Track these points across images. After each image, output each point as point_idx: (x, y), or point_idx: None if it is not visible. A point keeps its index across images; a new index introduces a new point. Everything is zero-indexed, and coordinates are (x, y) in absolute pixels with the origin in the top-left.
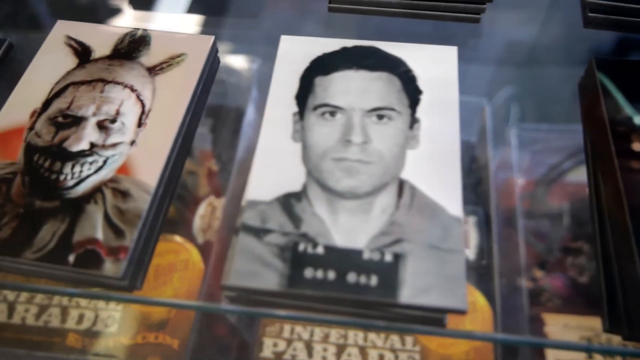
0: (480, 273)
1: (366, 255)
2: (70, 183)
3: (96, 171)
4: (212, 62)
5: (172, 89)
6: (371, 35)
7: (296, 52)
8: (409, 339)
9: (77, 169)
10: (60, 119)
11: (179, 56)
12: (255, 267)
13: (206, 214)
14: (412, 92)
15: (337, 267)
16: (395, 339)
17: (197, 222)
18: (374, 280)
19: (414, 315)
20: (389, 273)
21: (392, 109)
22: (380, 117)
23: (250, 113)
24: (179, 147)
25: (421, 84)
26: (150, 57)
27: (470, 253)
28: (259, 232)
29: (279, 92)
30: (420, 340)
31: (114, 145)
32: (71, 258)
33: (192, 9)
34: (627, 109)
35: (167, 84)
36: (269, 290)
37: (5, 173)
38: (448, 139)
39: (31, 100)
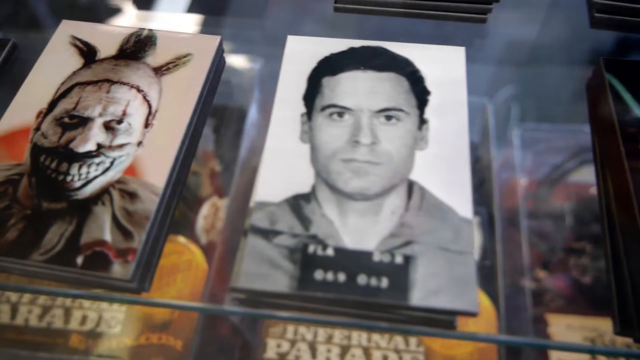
0: (483, 273)
1: (376, 257)
2: (78, 184)
3: (103, 172)
4: (218, 63)
5: (178, 89)
6: (371, 35)
7: (303, 52)
8: (413, 340)
9: (84, 170)
10: (66, 120)
11: (185, 56)
12: (265, 269)
13: (209, 215)
14: (420, 93)
15: (348, 269)
16: (399, 339)
17: (200, 222)
18: (384, 283)
19: (425, 317)
20: (400, 275)
21: (401, 110)
22: (389, 118)
23: (252, 113)
24: (186, 148)
25: (429, 84)
26: (156, 57)
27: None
28: (268, 234)
29: (286, 92)
30: (424, 341)
31: (121, 146)
32: (79, 260)
33: (192, 9)
34: (636, 109)
35: (173, 85)
36: (279, 292)
37: (12, 174)
38: (457, 139)
39: (37, 100)
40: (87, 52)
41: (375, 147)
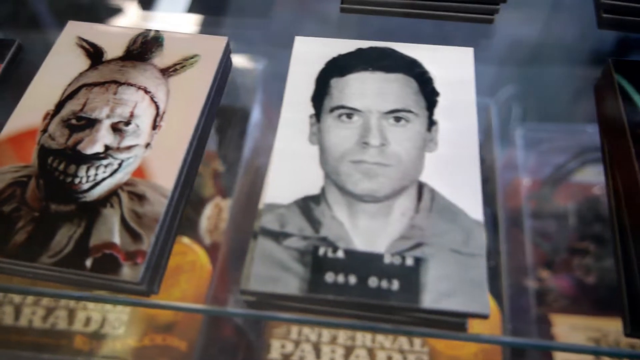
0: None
1: (387, 260)
2: (86, 186)
3: (111, 174)
4: (226, 64)
5: (186, 90)
6: (370, 35)
7: (311, 53)
8: (417, 341)
9: (92, 172)
10: (73, 121)
11: (192, 57)
12: (276, 272)
13: (213, 215)
14: (429, 94)
15: (358, 271)
16: (403, 340)
17: (204, 223)
18: (395, 285)
19: (435, 319)
20: (411, 277)
21: (410, 111)
22: (398, 119)
23: (256, 114)
24: (194, 150)
25: (438, 85)
26: (163, 58)
27: None
28: (278, 236)
29: (294, 93)
30: (429, 341)
31: (129, 148)
32: (88, 262)
33: (193, 9)
34: None
35: (181, 86)
36: (290, 295)
37: (20, 176)
38: (466, 141)
39: (44, 102)
40: (94, 53)
41: (384, 149)
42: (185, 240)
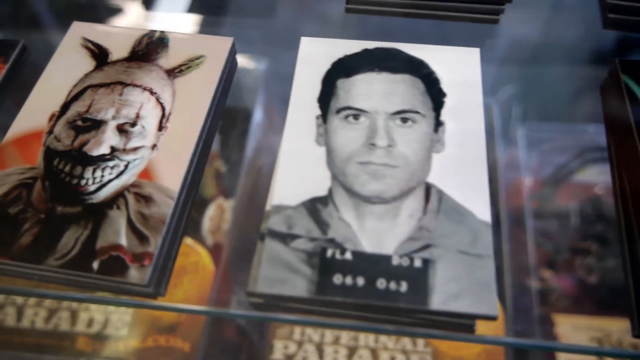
0: None
1: (395, 261)
2: (92, 188)
3: (118, 176)
4: (231, 64)
5: (192, 91)
6: (374, 35)
7: (317, 53)
8: (420, 341)
9: (98, 173)
10: (79, 123)
11: (198, 58)
12: (283, 274)
13: (215, 216)
14: (435, 95)
15: (366, 273)
16: (406, 340)
17: (206, 223)
18: (404, 287)
19: (443, 321)
20: (419, 279)
21: (417, 112)
22: (405, 120)
23: (258, 114)
24: (200, 151)
25: (444, 86)
26: (168, 59)
27: None
28: (286, 238)
29: (300, 94)
30: (432, 341)
31: (135, 149)
32: (95, 265)
33: (193, 9)
34: None
35: (186, 87)
36: (298, 297)
37: (26, 178)
38: (473, 142)
39: (49, 103)
40: (99, 54)
41: (391, 150)
42: (188, 240)
